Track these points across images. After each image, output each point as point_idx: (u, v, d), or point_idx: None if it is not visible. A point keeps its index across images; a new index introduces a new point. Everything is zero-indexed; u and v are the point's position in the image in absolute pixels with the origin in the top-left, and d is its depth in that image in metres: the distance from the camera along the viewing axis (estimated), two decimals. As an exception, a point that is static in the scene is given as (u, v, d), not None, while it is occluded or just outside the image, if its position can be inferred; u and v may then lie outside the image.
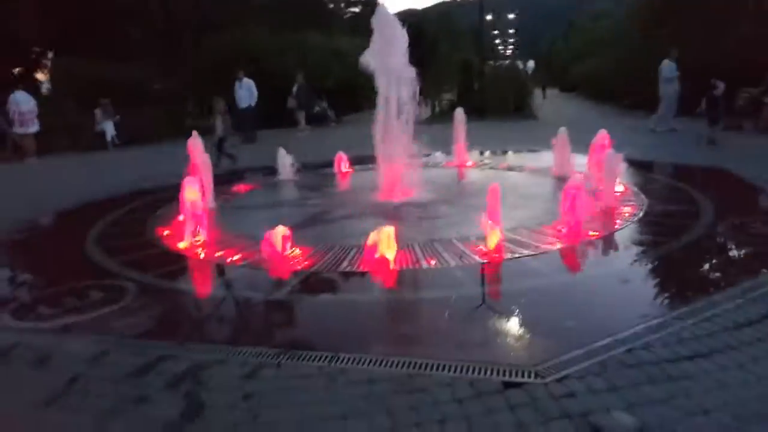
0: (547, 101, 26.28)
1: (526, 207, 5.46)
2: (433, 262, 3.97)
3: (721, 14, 13.84)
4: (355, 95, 24.97)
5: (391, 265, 3.94)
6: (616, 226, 4.63)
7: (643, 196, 5.57)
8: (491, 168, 8.07)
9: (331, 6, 40.94)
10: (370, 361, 2.61)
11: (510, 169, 7.82)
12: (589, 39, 33.08)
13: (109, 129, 15.62)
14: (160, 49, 20.14)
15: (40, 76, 21.80)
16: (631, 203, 5.30)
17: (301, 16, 29.84)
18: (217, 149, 9.23)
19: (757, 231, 4.33)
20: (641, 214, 4.94)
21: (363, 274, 3.88)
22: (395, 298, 3.53)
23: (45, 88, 20.19)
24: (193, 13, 21.72)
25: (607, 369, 2.42)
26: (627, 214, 4.95)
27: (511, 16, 58.30)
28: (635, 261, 3.84)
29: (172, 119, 17.10)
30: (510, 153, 9.85)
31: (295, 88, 16.81)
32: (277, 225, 4.27)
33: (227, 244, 4.73)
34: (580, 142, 7.02)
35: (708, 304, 3.01)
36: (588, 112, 21.08)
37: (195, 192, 4.86)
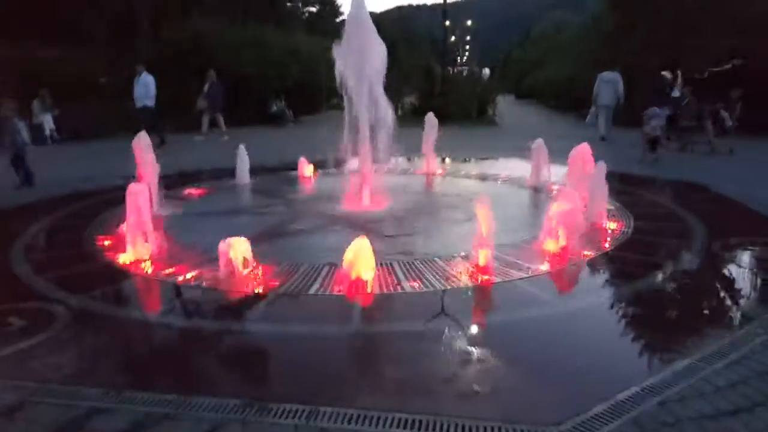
0: (506, 108, 26.39)
1: (506, 220, 5.05)
2: (416, 285, 3.53)
3: (694, 22, 14.09)
4: (313, 95, 24.41)
5: (369, 288, 3.49)
6: (607, 246, 4.31)
7: (625, 210, 5.31)
8: (463, 177, 7.70)
9: (289, 4, 40.16)
10: (357, 418, 2.14)
11: (483, 178, 7.48)
12: (552, 46, 33.59)
13: (48, 122, 14.46)
14: (112, 38, 18.85)
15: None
16: (615, 219, 5.01)
17: (259, 12, 29.00)
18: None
19: (760, 255, 4.08)
20: (629, 231, 4.66)
21: (338, 298, 3.40)
22: (379, 332, 3.05)
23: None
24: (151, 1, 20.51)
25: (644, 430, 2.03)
26: (614, 232, 4.66)
27: (468, 22, 58.87)
28: (639, 286, 3.50)
29: (119, 114, 15.98)
30: (479, 161, 9.55)
31: (206, 87, 14.42)
32: (235, 236, 3.75)
33: (178, 258, 4.15)
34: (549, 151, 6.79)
35: (734, 342, 2.69)
36: (547, 119, 21.20)
37: (141, 197, 4.25)
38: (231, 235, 3.77)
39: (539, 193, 6.41)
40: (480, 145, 11.71)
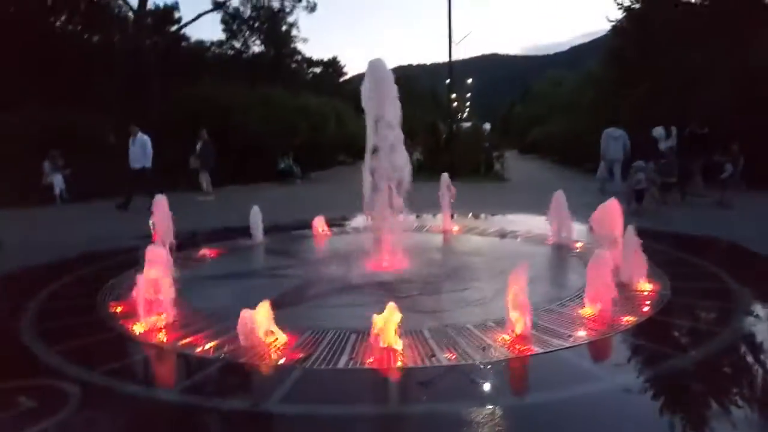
0: (512, 163, 26.59)
1: (534, 282, 4.84)
2: (451, 356, 3.30)
3: (697, 75, 14.31)
4: (321, 152, 24.71)
5: (401, 360, 3.25)
6: (646, 310, 4.08)
7: (656, 267, 5.08)
8: (482, 234, 7.55)
9: (294, 66, 41.52)
10: None
11: (502, 235, 7.32)
12: (552, 102, 34.27)
13: (58, 182, 14.53)
14: (123, 99, 19.27)
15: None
16: (647, 279, 4.78)
17: (266, 73, 29.88)
18: None
19: None
20: (668, 294, 4.42)
21: (371, 372, 3.16)
22: (420, 413, 2.78)
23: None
24: (163, 64, 21.08)
25: None
26: (650, 293, 4.42)
27: (469, 80, 60.59)
28: (695, 356, 3.25)
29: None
30: (495, 217, 9.42)
31: (198, 146, 14.76)
32: (255, 301, 3.55)
33: (195, 326, 3.93)
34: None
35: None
36: (552, 173, 21.28)
37: (158, 262, 4.09)
38: (250, 300, 3.58)
39: (562, 251, 6.23)
40: (492, 202, 11.64)
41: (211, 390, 3.11)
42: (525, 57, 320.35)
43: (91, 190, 14.56)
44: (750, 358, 3.32)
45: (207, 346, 3.57)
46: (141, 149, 12.72)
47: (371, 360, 3.25)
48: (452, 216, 7.99)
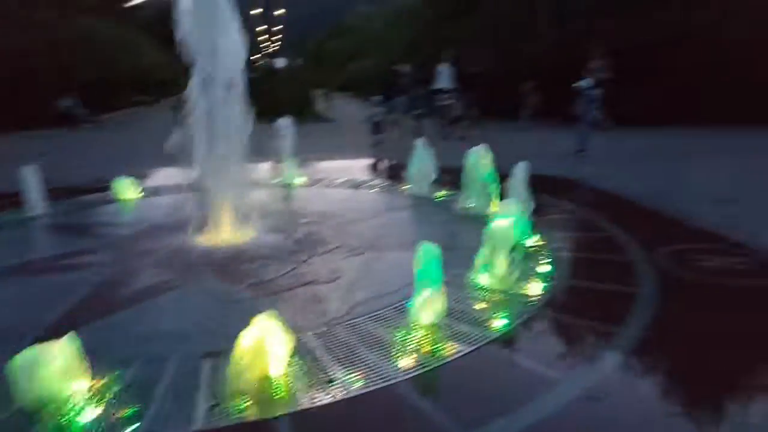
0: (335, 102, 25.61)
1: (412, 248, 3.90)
2: (358, 376, 2.32)
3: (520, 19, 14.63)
4: (113, 90, 21.04)
5: (287, 395, 2.20)
6: (550, 267, 3.52)
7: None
8: (332, 186, 6.52)
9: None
10: None
11: (355, 186, 6.40)
12: (366, 38, 33.71)
13: None
14: None
15: None
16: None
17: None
18: None
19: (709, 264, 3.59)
20: (558, 247, 3.94)
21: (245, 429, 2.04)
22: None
23: None
24: None
25: None
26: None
27: (279, 12, 57.14)
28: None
29: None
30: (340, 163, 8.48)
31: None
32: (36, 319, 2.18)
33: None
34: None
35: None
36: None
37: None
38: (27, 318, 2.16)
39: (431, 204, 5.51)
40: (325, 145, 10.64)
41: None
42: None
43: None
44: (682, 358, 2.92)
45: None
46: None
47: (246, 405, 2.13)
48: (294, 165, 6.82)
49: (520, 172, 4.47)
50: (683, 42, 11.07)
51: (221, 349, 2.35)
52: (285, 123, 6.59)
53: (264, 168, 6.89)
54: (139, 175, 6.51)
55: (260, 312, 2.24)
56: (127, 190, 5.97)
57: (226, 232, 4.30)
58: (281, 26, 56.62)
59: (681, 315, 2.85)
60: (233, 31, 4.01)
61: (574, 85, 8.83)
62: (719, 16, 10.91)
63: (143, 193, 6.11)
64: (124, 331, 2.85)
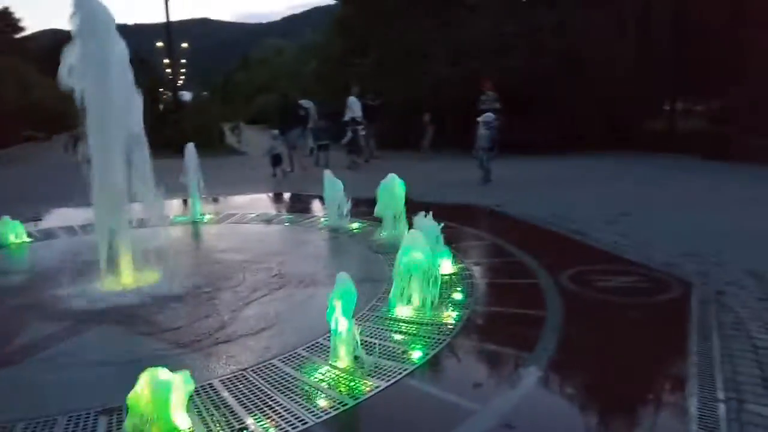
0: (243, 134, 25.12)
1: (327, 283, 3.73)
2: (269, 428, 2.20)
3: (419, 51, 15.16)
4: (2, 125, 19.42)
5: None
6: (467, 295, 3.59)
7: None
8: (243, 221, 6.30)
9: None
10: None
11: (267, 220, 6.24)
12: (275, 70, 33.65)
13: None
14: None
15: None
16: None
17: None
18: None
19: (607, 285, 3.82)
20: (472, 274, 4.04)
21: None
22: None
23: None
24: None
25: None
26: (455, 277, 3.99)
27: (184, 45, 55.66)
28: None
29: None
30: (249, 197, 8.25)
31: None
32: None
33: None
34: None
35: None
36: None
37: None
38: None
39: (344, 236, 5.46)
40: (234, 178, 10.39)
41: None
42: (239, 24, 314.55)
43: None
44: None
45: None
46: None
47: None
48: (202, 200, 6.55)
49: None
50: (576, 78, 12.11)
51: (118, 405, 2.16)
52: (191, 155, 6.33)
53: (171, 205, 6.56)
54: (29, 218, 5.98)
55: (159, 364, 2.09)
56: (14, 233, 5.44)
57: (126, 277, 4.01)
58: (185, 60, 55.11)
59: (584, 335, 3.00)
60: (127, 84, 3.84)
61: (479, 118, 9.20)
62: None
63: (33, 237, 5.60)
64: (12, 386, 2.55)
